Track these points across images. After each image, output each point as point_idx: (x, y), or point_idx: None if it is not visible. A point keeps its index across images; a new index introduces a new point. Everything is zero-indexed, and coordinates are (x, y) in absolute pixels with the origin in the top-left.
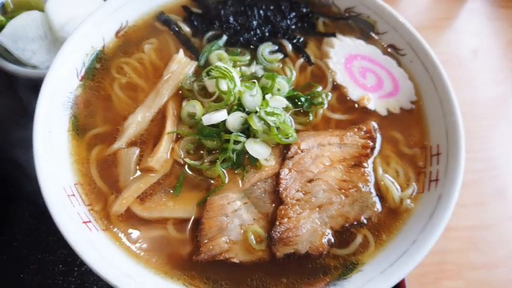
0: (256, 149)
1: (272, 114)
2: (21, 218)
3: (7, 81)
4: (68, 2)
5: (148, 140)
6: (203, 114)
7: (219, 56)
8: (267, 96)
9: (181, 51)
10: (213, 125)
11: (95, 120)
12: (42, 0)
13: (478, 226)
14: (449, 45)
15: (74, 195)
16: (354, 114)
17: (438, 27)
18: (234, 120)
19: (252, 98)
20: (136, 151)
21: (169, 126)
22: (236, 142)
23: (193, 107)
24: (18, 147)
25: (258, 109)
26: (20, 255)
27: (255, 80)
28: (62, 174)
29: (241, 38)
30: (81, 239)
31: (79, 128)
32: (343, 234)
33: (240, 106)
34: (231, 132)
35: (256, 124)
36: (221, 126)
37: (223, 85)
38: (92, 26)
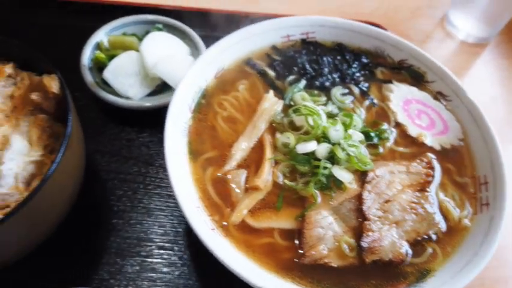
0: (341, 174)
1: (352, 146)
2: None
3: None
4: (158, 45)
5: (251, 164)
6: (295, 144)
7: (302, 96)
8: (350, 131)
9: (271, 92)
10: (304, 153)
11: (205, 146)
12: (135, 41)
13: None
14: (471, 92)
15: (199, 207)
16: (414, 148)
17: (459, 75)
18: (322, 150)
19: (336, 132)
20: (245, 172)
21: (269, 153)
22: (324, 168)
23: (287, 138)
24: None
25: (341, 141)
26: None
27: (337, 118)
28: (188, 190)
29: (316, 82)
30: (215, 243)
31: (193, 152)
32: (416, 246)
33: (325, 138)
34: (319, 159)
35: (340, 154)
36: (310, 154)
37: (311, 121)
38: (198, 71)
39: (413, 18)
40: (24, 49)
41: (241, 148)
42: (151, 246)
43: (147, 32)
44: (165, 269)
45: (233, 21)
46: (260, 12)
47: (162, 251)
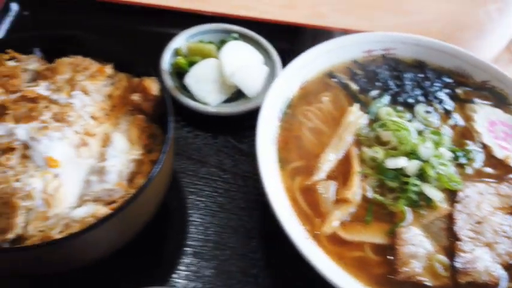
0: (432, 192)
1: (442, 164)
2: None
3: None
4: (236, 54)
5: (338, 176)
6: (384, 159)
7: (387, 112)
8: (441, 150)
9: (356, 105)
10: (393, 169)
11: (292, 156)
12: (213, 49)
13: None
14: None
15: (291, 215)
16: (501, 170)
17: None
18: (413, 167)
19: (426, 149)
20: (334, 184)
21: (357, 166)
22: (414, 185)
23: (375, 152)
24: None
25: (431, 159)
26: None
27: (426, 135)
28: (280, 198)
29: (399, 98)
30: (311, 253)
31: (281, 160)
32: (509, 270)
33: (414, 154)
34: (407, 176)
35: (431, 172)
36: (399, 170)
37: (400, 137)
38: (284, 81)
39: (480, 39)
40: (122, 51)
41: (329, 159)
42: (226, 250)
43: (221, 41)
44: (239, 275)
45: (302, 33)
46: (328, 26)
47: (237, 256)
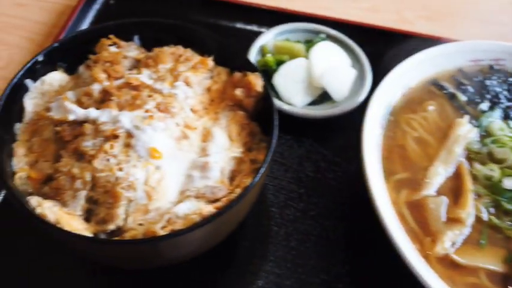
0: None
1: None
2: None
3: None
4: (326, 55)
5: (448, 193)
6: (500, 178)
7: (500, 127)
8: None
9: (466, 117)
10: (510, 189)
11: (395, 166)
12: (302, 48)
13: None
14: None
15: (401, 232)
16: None
17: None
18: None
19: None
20: (445, 200)
21: (470, 184)
22: None
23: (491, 170)
24: None
25: None
26: None
27: None
28: (389, 212)
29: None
30: (427, 274)
31: (385, 171)
32: None
33: None
34: None
35: None
36: None
37: None
38: (386, 87)
39: None
40: (223, 43)
41: (438, 173)
42: (310, 260)
43: (307, 40)
44: None
45: (389, 37)
46: (416, 32)
47: (321, 268)
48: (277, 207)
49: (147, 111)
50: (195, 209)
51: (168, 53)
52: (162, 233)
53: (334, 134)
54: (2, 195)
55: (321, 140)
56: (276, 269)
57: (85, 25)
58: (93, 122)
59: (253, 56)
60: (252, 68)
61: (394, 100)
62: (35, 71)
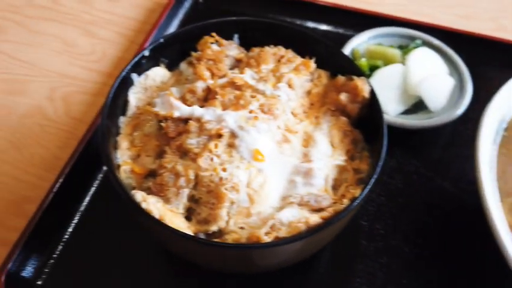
0: None
1: None
2: None
3: None
4: (424, 62)
5: None
6: None
7: None
8: None
9: None
10: None
11: (508, 187)
12: (397, 54)
13: None
14: None
15: None
16: None
17: None
18: None
19: None
20: None
21: None
22: None
23: None
24: None
25: None
26: None
27: None
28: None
29: None
30: None
31: (501, 191)
32: None
33: None
34: None
35: None
36: None
37: None
38: (501, 100)
39: None
40: (325, 45)
41: None
42: (400, 282)
43: (400, 46)
44: None
45: (489, 45)
46: None
47: None
48: (366, 220)
49: (251, 111)
50: (300, 217)
51: (270, 54)
52: (267, 239)
53: (428, 146)
54: (95, 185)
55: (413, 152)
56: (364, 286)
57: (176, 23)
58: (198, 120)
59: None
60: (357, 71)
61: (509, 115)
62: (140, 66)
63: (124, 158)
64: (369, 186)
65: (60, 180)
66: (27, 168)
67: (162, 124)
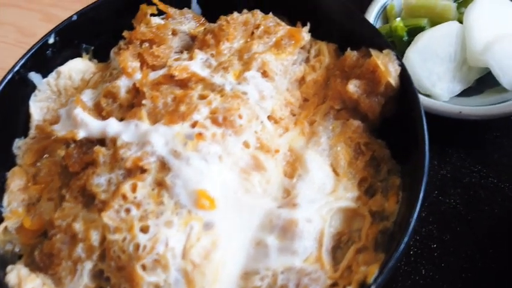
0: None
1: None
2: None
3: None
4: (492, 17)
5: None
6: None
7: None
8: None
9: None
10: None
11: None
12: (451, 7)
13: None
14: None
15: None
16: None
17: None
18: None
19: None
20: None
21: None
22: None
23: None
24: None
25: None
26: None
27: None
28: None
29: None
30: None
31: None
32: None
33: None
34: None
35: None
36: None
37: None
38: None
39: None
40: (328, 3)
41: None
42: None
43: None
44: None
45: None
46: None
47: None
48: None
49: (194, 124)
50: None
51: (239, 24)
52: None
53: (498, 145)
54: None
55: (477, 153)
56: None
57: None
58: (113, 142)
59: (371, 21)
60: (378, 41)
61: None
62: (44, 60)
63: (13, 205)
64: (392, 261)
65: None
66: None
67: (61, 152)
